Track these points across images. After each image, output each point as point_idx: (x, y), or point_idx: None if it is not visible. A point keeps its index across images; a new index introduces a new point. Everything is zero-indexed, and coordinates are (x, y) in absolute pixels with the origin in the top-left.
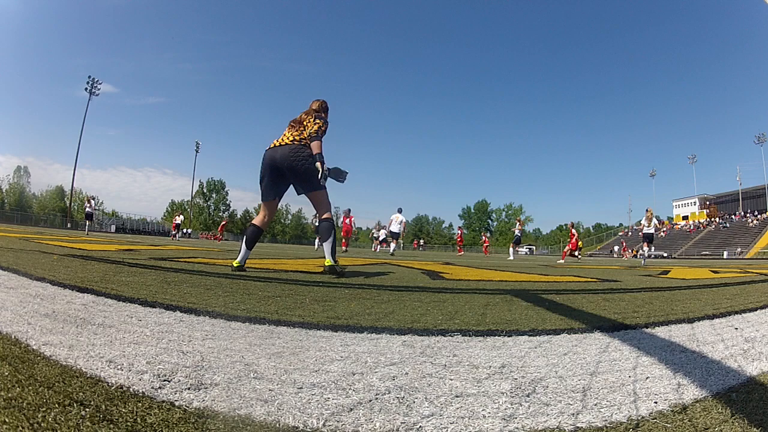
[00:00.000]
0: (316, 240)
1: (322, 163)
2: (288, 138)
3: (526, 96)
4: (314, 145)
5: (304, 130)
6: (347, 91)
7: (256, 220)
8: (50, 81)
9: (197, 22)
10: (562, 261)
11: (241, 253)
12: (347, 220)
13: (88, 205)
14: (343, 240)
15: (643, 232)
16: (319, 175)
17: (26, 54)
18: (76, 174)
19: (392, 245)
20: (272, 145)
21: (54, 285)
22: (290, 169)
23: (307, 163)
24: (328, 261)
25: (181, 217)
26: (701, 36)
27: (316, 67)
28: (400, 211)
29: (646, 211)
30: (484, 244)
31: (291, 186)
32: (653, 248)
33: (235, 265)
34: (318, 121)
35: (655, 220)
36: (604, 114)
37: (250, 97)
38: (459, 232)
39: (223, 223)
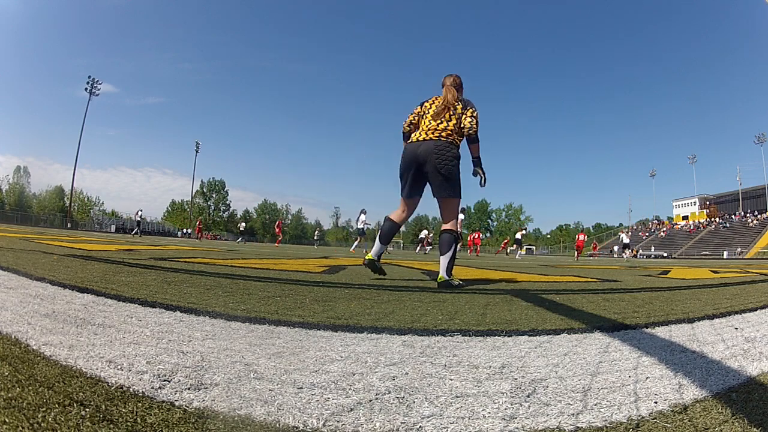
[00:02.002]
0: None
1: (483, 170)
2: (433, 131)
3: (526, 96)
4: (474, 148)
5: (451, 119)
6: (347, 91)
7: (394, 215)
8: (50, 81)
9: (197, 22)
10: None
11: (375, 247)
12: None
13: (139, 214)
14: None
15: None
16: (482, 183)
17: (26, 54)
18: (76, 174)
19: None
20: (414, 139)
21: (54, 285)
22: (432, 168)
23: (452, 164)
24: (442, 277)
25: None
26: (701, 36)
27: (316, 67)
28: (363, 212)
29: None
30: (476, 244)
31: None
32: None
33: (368, 257)
34: (473, 111)
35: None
36: (604, 114)
37: (250, 97)
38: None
39: (198, 223)
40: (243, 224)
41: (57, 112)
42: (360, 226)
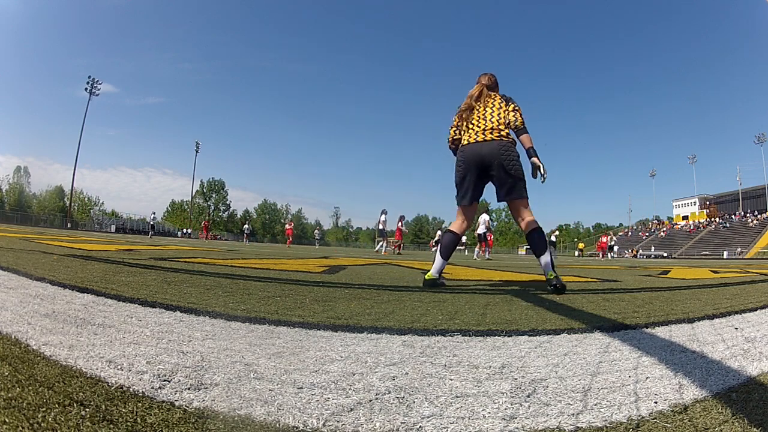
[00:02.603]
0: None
1: (540, 161)
2: (491, 131)
3: (525, 96)
4: (526, 138)
5: (500, 117)
6: (347, 91)
7: (455, 227)
8: (50, 81)
9: (197, 22)
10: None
11: (437, 264)
12: (400, 224)
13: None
14: (395, 244)
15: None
16: (542, 172)
17: (26, 54)
18: (76, 174)
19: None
20: (472, 140)
21: (54, 285)
22: (501, 170)
23: (519, 164)
24: (551, 274)
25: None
26: (701, 36)
27: (316, 67)
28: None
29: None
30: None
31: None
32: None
33: (427, 278)
34: (516, 106)
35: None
36: (604, 114)
37: (250, 97)
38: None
39: (204, 224)
40: (247, 226)
41: (57, 112)
42: (381, 227)
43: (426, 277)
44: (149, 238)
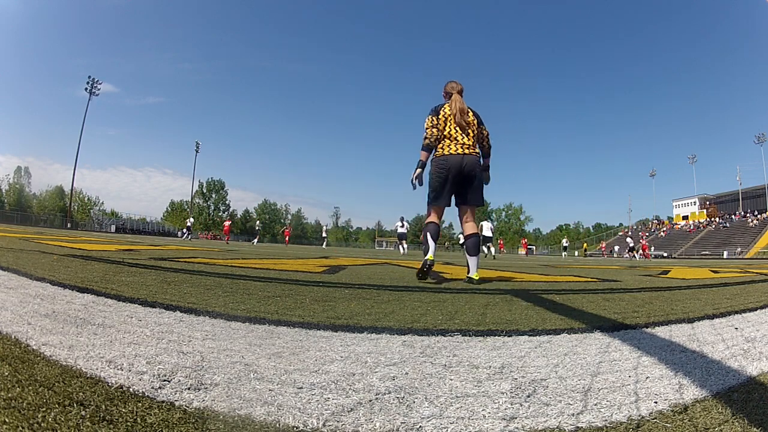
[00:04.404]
0: (324, 242)
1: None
2: (469, 147)
3: (526, 96)
4: (488, 159)
5: (475, 136)
6: (347, 91)
7: (435, 219)
8: (50, 81)
9: (197, 22)
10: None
11: (432, 248)
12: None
13: (190, 221)
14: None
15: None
16: (487, 182)
17: (26, 54)
18: (76, 174)
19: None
20: (451, 151)
21: (54, 285)
22: (475, 182)
23: (482, 177)
24: (477, 275)
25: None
26: (701, 36)
27: (316, 67)
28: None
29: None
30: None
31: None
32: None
33: (429, 258)
34: (486, 129)
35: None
36: (604, 114)
37: (250, 97)
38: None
39: (228, 223)
40: (259, 223)
41: (57, 112)
42: (401, 230)
43: (428, 258)
44: (189, 240)
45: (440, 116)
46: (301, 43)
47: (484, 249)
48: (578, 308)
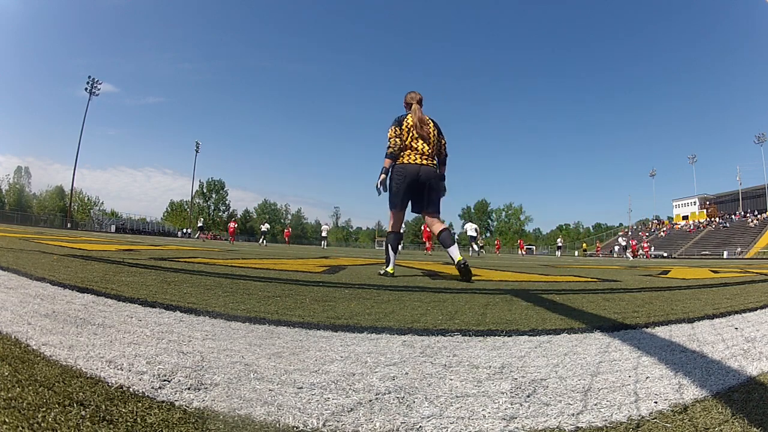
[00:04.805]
0: (323, 242)
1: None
2: (427, 157)
3: (526, 96)
4: (444, 167)
5: (435, 147)
6: (347, 91)
7: (395, 228)
8: (50, 81)
9: (197, 22)
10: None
11: (392, 260)
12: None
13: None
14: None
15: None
16: (444, 191)
17: (26, 54)
18: (76, 174)
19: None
20: (411, 161)
21: (54, 285)
22: (431, 191)
23: (438, 187)
24: (460, 258)
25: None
26: (701, 36)
27: (316, 67)
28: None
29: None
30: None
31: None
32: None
33: (390, 271)
34: (445, 139)
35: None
36: (604, 114)
37: (250, 97)
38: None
39: (233, 225)
40: (267, 225)
41: (57, 112)
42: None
43: (389, 270)
44: (264, 246)
45: (403, 126)
46: (301, 43)
47: (474, 246)
48: (578, 308)
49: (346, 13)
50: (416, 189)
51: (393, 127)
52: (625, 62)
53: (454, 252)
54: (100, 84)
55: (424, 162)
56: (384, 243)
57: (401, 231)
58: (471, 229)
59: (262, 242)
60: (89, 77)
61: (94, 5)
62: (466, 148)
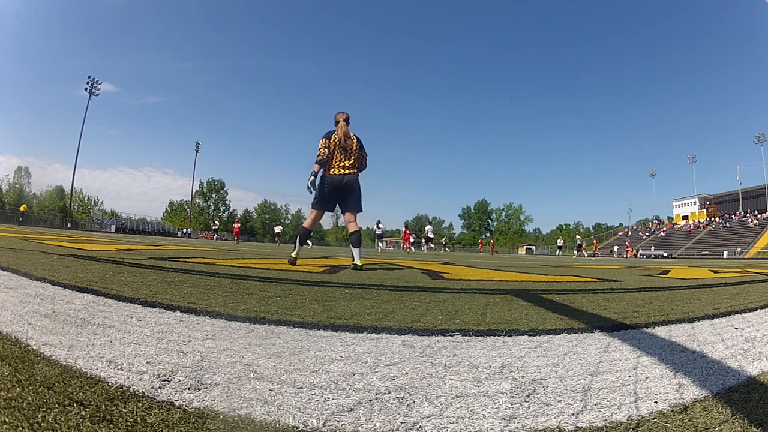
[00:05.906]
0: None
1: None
2: (349, 168)
3: (526, 96)
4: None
5: (357, 159)
6: (348, 91)
7: (308, 224)
8: (50, 81)
9: (197, 21)
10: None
11: (297, 248)
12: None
13: (214, 223)
14: (406, 243)
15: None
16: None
17: (26, 54)
18: (76, 174)
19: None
20: (336, 172)
21: (54, 285)
22: (352, 196)
23: (359, 190)
24: (360, 262)
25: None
26: (701, 35)
27: (317, 67)
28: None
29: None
30: (405, 239)
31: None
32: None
33: (293, 256)
34: (365, 153)
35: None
36: (604, 114)
37: (251, 96)
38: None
39: (238, 225)
40: (280, 227)
41: (57, 112)
42: (378, 232)
43: (293, 255)
44: (278, 246)
45: (331, 140)
46: (301, 43)
47: (431, 246)
48: (578, 308)
49: (346, 13)
50: (340, 195)
51: (323, 140)
52: (625, 62)
53: (357, 254)
54: (100, 84)
55: (346, 173)
56: (296, 235)
57: (311, 228)
58: (429, 231)
59: (279, 244)
60: (89, 77)
61: (94, 5)
62: (466, 148)
